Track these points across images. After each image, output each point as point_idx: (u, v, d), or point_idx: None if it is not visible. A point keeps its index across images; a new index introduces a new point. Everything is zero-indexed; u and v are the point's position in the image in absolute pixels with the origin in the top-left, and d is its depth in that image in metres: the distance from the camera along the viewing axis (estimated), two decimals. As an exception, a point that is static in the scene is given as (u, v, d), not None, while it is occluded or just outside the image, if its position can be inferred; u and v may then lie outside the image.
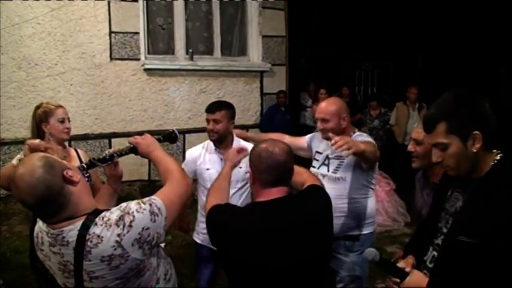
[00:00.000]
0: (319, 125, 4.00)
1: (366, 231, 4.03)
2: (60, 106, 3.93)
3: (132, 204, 2.23)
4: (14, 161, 3.55)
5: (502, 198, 2.10)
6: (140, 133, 7.49)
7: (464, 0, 12.56)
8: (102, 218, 2.18)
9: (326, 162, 4.05)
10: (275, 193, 2.53)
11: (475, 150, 2.17)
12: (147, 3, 8.77)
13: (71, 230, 2.17)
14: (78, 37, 8.09)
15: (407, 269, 2.36)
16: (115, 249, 2.12)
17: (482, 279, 2.08)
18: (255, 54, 9.86)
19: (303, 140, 4.38)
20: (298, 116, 11.35)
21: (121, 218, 2.17)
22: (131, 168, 7.95)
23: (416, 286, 2.28)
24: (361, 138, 3.91)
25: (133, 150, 2.71)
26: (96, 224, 2.16)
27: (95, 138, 8.14)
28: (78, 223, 2.17)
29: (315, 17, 11.93)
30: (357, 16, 12.81)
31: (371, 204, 4.07)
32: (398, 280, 2.35)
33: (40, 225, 2.33)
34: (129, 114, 8.48)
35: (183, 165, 4.34)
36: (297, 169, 2.80)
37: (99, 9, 8.20)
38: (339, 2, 12.50)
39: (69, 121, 3.94)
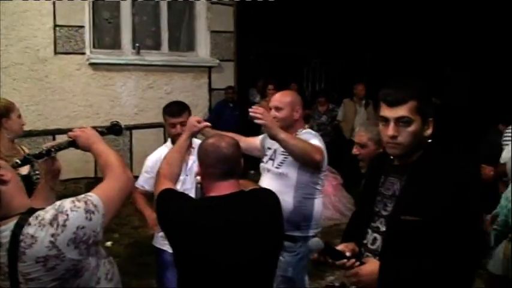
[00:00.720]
0: (271, 113, 3.93)
1: (305, 233, 3.94)
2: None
3: (67, 203, 2.14)
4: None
5: (439, 180, 2.32)
6: (85, 129, 7.32)
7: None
8: (36, 218, 2.09)
9: (273, 156, 4.04)
10: (226, 187, 2.51)
11: (426, 135, 2.38)
12: (93, -4, 8.60)
13: (4, 231, 2.07)
14: (22, 31, 7.90)
15: (348, 253, 2.45)
16: (50, 250, 2.04)
17: (427, 252, 2.26)
18: (203, 50, 9.79)
19: (257, 140, 4.36)
20: (247, 112, 11.32)
21: (55, 217, 2.08)
22: (76, 165, 7.79)
23: (372, 273, 2.36)
24: (307, 136, 3.91)
25: (73, 143, 2.61)
26: (29, 224, 2.07)
27: (39, 134, 7.94)
28: (11, 223, 2.08)
29: (263, 12, 11.93)
30: (306, 13, 12.88)
31: (316, 206, 4.00)
32: (344, 261, 2.42)
33: None
34: (74, 110, 8.32)
35: (144, 173, 4.37)
36: (243, 182, 2.79)
37: (43, 2, 8.01)
38: (288, -1, 12.57)
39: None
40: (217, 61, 9.78)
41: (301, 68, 14.45)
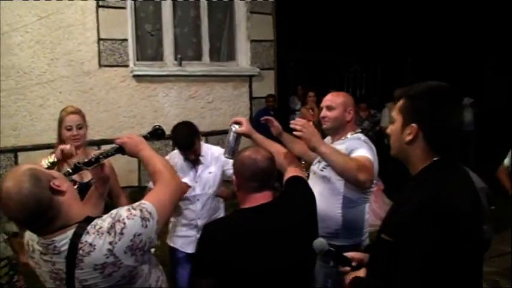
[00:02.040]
0: (322, 113, 3.88)
1: (344, 242, 3.66)
2: (72, 112, 4.09)
3: (123, 211, 2.23)
4: (44, 164, 3.59)
5: (410, 204, 2.06)
6: (130, 140, 7.46)
7: (452, 2, 12.65)
8: (94, 226, 2.17)
9: (320, 159, 3.74)
10: (260, 198, 2.60)
11: (406, 141, 2.15)
12: (135, 9, 8.80)
13: (63, 240, 2.16)
14: (67, 45, 8.10)
15: (354, 263, 2.37)
16: (107, 258, 2.12)
17: (392, 276, 2.04)
18: (243, 59, 9.87)
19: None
20: (288, 120, 11.38)
21: (112, 225, 2.16)
22: (120, 174, 7.83)
23: None
24: (355, 143, 3.69)
25: (120, 150, 2.68)
26: (88, 233, 2.15)
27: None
28: (70, 232, 2.16)
29: (303, 20, 11.97)
30: (345, 19, 12.88)
31: (359, 214, 3.84)
32: (348, 269, 2.36)
33: (30, 233, 2.31)
34: (119, 121, 8.50)
35: None
36: (291, 169, 2.85)
37: (87, 16, 8.20)
38: (327, 5, 12.56)
39: (79, 128, 4.04)
40: (258, 70, 9.84)
41: (341, 74, 14.41)
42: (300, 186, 2.88)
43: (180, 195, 2.60)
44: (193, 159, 4.41)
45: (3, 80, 7.68)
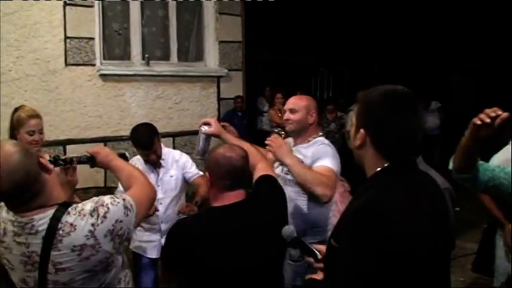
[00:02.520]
0: (286, 115, 3.98)
1: (310, 240, 3.59)
2: (33, 116, 3.99)
3: (106, 198, 2.27)
4: None
5: (355, 204, 2.06)
6: (96, 140, 7.48)
7: (418, 6, 12.82)
8: (75, 208, 2.19)
9: None
10: (233, 197, 2.63)
11: (356, 145, 2.12)
12: (103, 8, 8.69)
13: (42, 219, 2.15)
14: (33, 43, 7.97)
15: (320, 256, 2.35)
16: (88, 239, 2.14)
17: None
18: (211, 60, 9.85)
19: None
20: (255, 121, 11.42)
21: (95, 209, 2.19)
22: (86, 175, 7.83)
23: None
24: (320, 149, 3.83)
25: (92, 159, 2.71)
26: (69, 213, 2.16)
27: (50, 145, 8.00)
28: (50, 212, 2.16)
29: (272, 22, 12.01)
30: (314, 21, 12.96)
31: (323, 213, 3.96)
32: (312, 260, 2.37)
33: (3, 215, 2.28)
34: (85, 121, 8.38)
35: None
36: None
37: (54, 14, 8.08)
38: (296, 8, 12.62)
39: (40, 133, 3.97)
40: (226, 71, 9.83)
41: (309, 76, 14.51)
42: (271, 185, 2.90)
43: (154, 199, 2.59)
44: (154, 159, 4.43)
45: (-34, 77, 7.53)
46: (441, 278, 2.06)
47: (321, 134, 4.08)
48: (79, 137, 8.20)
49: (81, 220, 2.16)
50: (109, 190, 8.29)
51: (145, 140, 4.35)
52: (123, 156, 2.88)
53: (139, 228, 4.47)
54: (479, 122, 2.48)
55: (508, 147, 4.64)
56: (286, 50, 12.99)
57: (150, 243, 4.54)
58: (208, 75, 9.76)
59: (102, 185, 8.39)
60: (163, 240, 4.43)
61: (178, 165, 4.59)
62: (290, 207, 3.58)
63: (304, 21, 12.91)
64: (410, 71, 13.15)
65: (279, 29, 12.48)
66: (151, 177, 4.39)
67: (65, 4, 8.16)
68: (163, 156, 4.52)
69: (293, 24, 12.82)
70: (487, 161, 3.28)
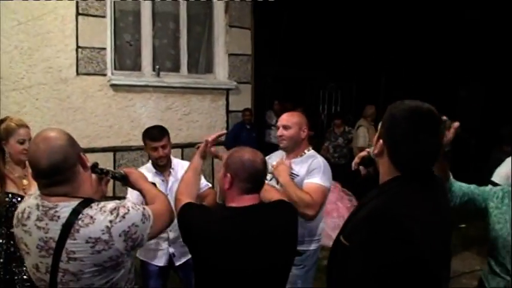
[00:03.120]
0: (279, 132, 4.17)
1: (309, 247, 4.15)
2: (23, 125, 3.89)
3: (128, 202, 2.39)
4: None
5: (368, 207, 2.19)
6: (106, 149, 7.53)
7: (426, 22, 12.88)
8: (98, 204, 2.32)
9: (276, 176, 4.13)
10: (248, 200, 2.66)
11: (374, 153, 2.30)
12: (115, 19, 8.80)
13: (66, 207, 2.28)
14: (45, 51, 8.05)
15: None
16: (103, 234, 2.24)
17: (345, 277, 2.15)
18: (221, 72, 9.94)
19: None
20: (264, 134, 11.47)
21: (116, 208, 2.31)
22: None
23: None
24: (314, 164, 4.06)
25: (125, 178, 2.84)
26: (91, 207, 2.29)
27: (60, 153, 8.11)
28: (74, 202, 2.29)
29: (281, 36, 12.10)
30: (322, 36, 13.05)
31: (317, 221, 4.13)
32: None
33: (31, 201, 2.43)
34: (95, 130, 8.46)
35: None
36: (266, 187, 2.91)
37: (66, 24, 8.18)
38: (305, 22, 12.71)
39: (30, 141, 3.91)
40: (235, 83, 9.90)
41: (318, 90, 14.57)
42: (288, 205, 2.94)
43: (171, 221, 2.67)
44: (162, 157, 4.43)
45: (-22, 84, 7.62)
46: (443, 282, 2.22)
47: (311, 148, 4.31)
48: (89, 146, 8.25)
49: (101, 215, 2.28)
50: (117, 199, 8.35)
51: (156, 131, 4.44)
52: (95, 165, 2.88)
53: None
54: None
55: (508, 160, 4.69)
56: (295, 64, 13.07)
57: (158, 251, 4.55)
58: (218, 87, 9.83)
59: (111, 194, 8.44)
60: (171, 249, 4.53)
61: None
62: None
63: (313, 35, 12.99)
64: (418, 85, 13.19)
65: (288, 43, 12.58)
66: (161, 187, 4.34)
67: (78, 14, 8.26)
68: (173, 166, 4.55)
69: (302, 39, 12.91)
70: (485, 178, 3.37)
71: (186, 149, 8.92)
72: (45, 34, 8.04)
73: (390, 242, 1.98)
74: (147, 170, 4.50)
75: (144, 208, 2.44)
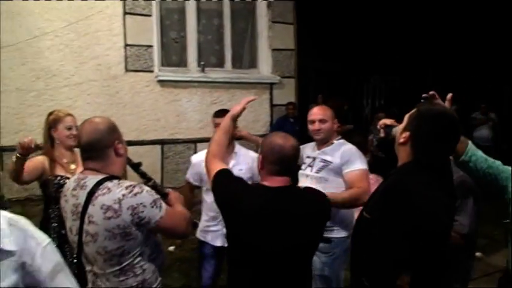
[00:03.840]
0: (315, 125, 4.29)
1: (338, 234, 4.20)
2: (69, 114, 4.30)
3: (146, 187, 2.67)
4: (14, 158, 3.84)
5: (384, 188, 2.59)
6: (153, 142, 7.79)
7: (475, 18, 12.74)
8: (118, 180, 2.66)
9: (311, 163, 4.31)
10: (278, 181, 2.82)
11: (400, 142, 2.60)
12: (161, 17, 9.12)
13: (93, 179, 2.68)
14: (95, 49, 8.42)
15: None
16: (114, 203, 2.55)
17: (372, 247, 2.49)
18: (264, 67, 10.16)
19: None
20: (307, 127, 11.57)
21: (132, 186, 2.60)
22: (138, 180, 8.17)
23: None
24: (347, 150, 4.23)
25: (165, 196, 3.02)
26: (111, 181, 2.63)
27: (110, 146, 8.40)
28: (100, 176, 2.67)
29: (324, 30, 12.15)
30: (366, 29, 13.02)
31: (350, 209, 4.18)
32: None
33: (71, 178, 2.91)
34: (143, 124, 8.78)
35: (189, 170, 4.80)
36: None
37: (114, 23, 8.54)
38: (347, 16, 12.73)
39: (76, 128, 4.20)
40: (278, 78, 10.10)
41: (361, 84, 14.53)
42: (319, 194, 3.08)
43: (183, 234, 2.94)
44: None
45: (33, 81, 8.02)
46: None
47: (340, 136, 4.47)
48: (138, 138, 8.58)
49: (117, 188, 2.60)
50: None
51: (220, 110, 4.65)
52: (137, 165, 3.17)
53: (204, 217, 4.71)
54: (424, 95, 3.03)
55: None
56: (338, 58, 13.06)
57: (214, 232, 4.68)
58: (262, 82, 10.03)
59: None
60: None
61: (250, 166, 4.63)
62: None
63: (356, 28, 12.97)
64: (464, 80, 13.08)
65: (332, 37, 12.59)
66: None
67: (125, 13, 8.62)
68: (235, 150, 4.66)
69: (345, 32, 12.89)
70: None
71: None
72: (94, 33, 8.40)
73: (400, 213, 2.33)
74: None
75: (159, 198, 2.68)
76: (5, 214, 2.02)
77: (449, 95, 3.00)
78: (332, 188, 4.01)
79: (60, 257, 2.15)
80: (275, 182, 2.83)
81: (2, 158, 7.74)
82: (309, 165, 4.32)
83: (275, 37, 10.11)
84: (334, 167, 4.17)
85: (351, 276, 2.71)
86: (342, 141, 4.38)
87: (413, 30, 13.38)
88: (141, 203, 2.58)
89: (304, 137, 4.83)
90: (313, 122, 4.33)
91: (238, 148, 4.72)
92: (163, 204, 2.69)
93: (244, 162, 4.64)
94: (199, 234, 4.75)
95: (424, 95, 3.01)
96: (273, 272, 2.78)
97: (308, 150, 4.44)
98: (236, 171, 4.47)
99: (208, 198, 4.58)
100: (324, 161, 4.22)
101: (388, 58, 13.50)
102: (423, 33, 13.45)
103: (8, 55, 7.82)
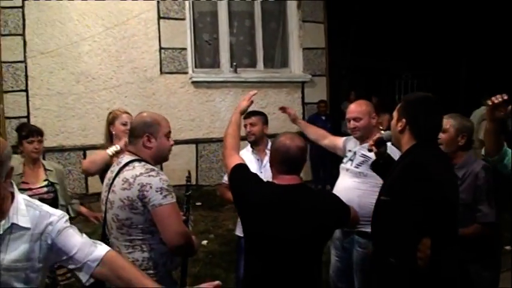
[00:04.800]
0: (351, 124, 4.29)
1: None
2: (126, 112, 4.71)
3: (165, 177, 2.99)
4: (109, 152, 4.28)
5: (399, 168, 2.93)
6: (188, 141, 8.02)
7: (509, 9, 12.60)
8: (145, 162, 3.05)
9: (352, 157, 4.32)
10: (286, 180, 3.01)
11: (398, 130, 3.00)
12: (194, 20, 9.41)
13: (126, 159, 3.11)
14: (131, 53, 8.76)
15: None
16: (131, 178, 2.94)
17: (392, 226, 2.82)
18: (296, 66, 10.32)
19: (340, 141, 4.65)
20: (340, 125, 11.71)
21: (152, 170, 2.97)
22: (180, 173, 8.40)
23: None
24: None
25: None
26: (140, 162, 3.02)
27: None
28: (133, 157, 3.09)
29: (354, 28, 12.24)
30: (396, 25, 13.02)
31: None
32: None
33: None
34: (178, 124, 8.99)
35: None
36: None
37: (149, 27, 8.86)
38: (378, 12, 12.78)
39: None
40: (310, 76, 10.25)
41: (393, 80, 14.52)
42: (330, 194, 3.26)
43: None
44: (249, 134, 4.81)
45: (73, 85, 8.39)
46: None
47: (382, 131, 4.27)
48: (174, 138, 8.68)
49: (140, 168, 2.98)
50: (200, 188, 8.87)
51: (249, 112, 4.63)
52: (187, 180, 3.84)
53: None
54: (490, 102, 3.13)
55: None
56: (369, 54, 13.09)
57: None
58: (293, 80, 10.22)
59: (194, 182, 8.93)
60: None
61: None
62: (359, 198, 4.07)
63: (387, 24, 12.97)
64: (500, 75, 12.92)
65: (362, 34, 12.65)
66: (255, 165, 4.68)
67: (159, 17, 8.93)
68: (269, 147, 4.68)
69: (376, 29, 12.92)
70: None
71: (263, 140, 9.31)
72: (130, 37, 8.74)
73: (418, 183, 2.70)
74: (246, 150, 4.88)
75: (170, 193, 2.94)
76: (23, 196, 2.28)
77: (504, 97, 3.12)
78: (371, 183, 4.05)
79: (72, 226, 2.34)
80: (284, 180, 3.01)
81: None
82: (350, 159, 4.34)
83: (306, 36, 10.27)
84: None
85: (374, 262, 2.96)
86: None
87: (446, 26, 13.31)
88: (148, 184, 2.89)
89: (336, 134, 5.02)
90: (349, 120, 4.32)
91: (271, 145, 4.89)
92: (170, 199, 2.92)
93: None
94: (238, 231, 4.85)
95: (492, 101, 3.13)
96: (282, 262, 2.96)
97: (351, 143, 4.47)
98: (269, 167, 4.67)
99: None
100: (364, 156, 4.19)
101: (420, 54, 13.47)
102: (455, 29, 13.36)
103: (49, 60, 8.22)
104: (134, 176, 2.93)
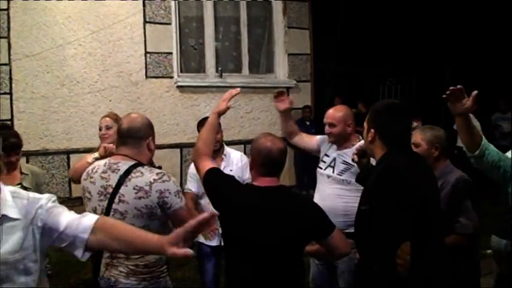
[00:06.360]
0: (326, 129, 4.31)
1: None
2: (106, 116, 4.91)
3: (173, 178, 3.09)
4: (89, 159, 4.14)
5: (372, 177, 2.97)
6: (173, 145, 8.02)
7: (492, 14, 12.66)
8: (149, 167, 3.06)
9: (332, 164, 4.32)
10: (266, 181, 3.05)
11: (368, 141, 3.06)
12: (179, 25, 9.42)
13: (125, 164, 3.08)
14: (116, 57, 8.74)
15: None
16: (146, 185, 2.96)
17: (371, 234, 2.84)
18: (281, 72, 10.37)
19: (314, 140, 4.69)
20: (323, 130, 11.72)
21: (162, 174, 3.03)
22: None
23: None
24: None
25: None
26: (143, 167, 3.04)
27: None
28: (132, 162, 3.05)
29: (339, 34, 12.29)
30: (381, 31, 13.10)
31: None
32: None
33: (99, 162, 3.30)
34: (163, 128, 9.01)
35: (189, 177, 5.11)
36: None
37: (135, 31, 8.86)
38: (362, 19, 12.85)
39: (107, 128, 4.72)
40: (295, 82, 10.30)
41: (377, 86, 14.56)
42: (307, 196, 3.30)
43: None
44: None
45: (58, 88, 8.35)
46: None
47: (360, 137, 4.31)
48: (158, 143, 8.63)
49: (149, 173, 3.02)
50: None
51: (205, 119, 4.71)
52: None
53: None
54: (444, 96, 3.17)
55: None
56: (353, 60, 13.16)
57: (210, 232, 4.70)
58: (278, 86, 9.99)
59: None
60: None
61: (238, 166, 4.84)
62: (343, 204, 4.13)
63: (371, 30, 13.06)
64: (484, 80, 12.95)
65: (347, 40, 12.70)
66: None
67: (145, 22, 8.94)
68: (225, 153, 4.89)
69: (360, 34, 13.00)
70: None
71: (248, 144, 9.28)
72: (116, 41, 8.73)
73: (393, 188, 2.73)
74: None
75: (184, 194, 3.18)
76: (8, 188, 2.20)
77: (474, 93, 3.15)
78: (354, 190, 4.00)
79: (61, 206, 2.26)
80: (263, 182, 3.05)
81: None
82: (330, 166, 4.34)
83: (291, 42, 10.33)
84: (356, 170, 4.07)
85: (360, 271, 3.03)
86: (361, 143, 4.25)
87: (429, 32, 13.41)
88: (167, 189, 2.98)
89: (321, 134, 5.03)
90: (325, 124, 4.34)
91: (227, 150, 4.93)
92: (184, 199, 3.09)
93: (233, 163, 4.87)
94: (201, 238, 4.77)
95: (448, 92, 3.15)
96: (263, 264, 2.97)
97: (327, 146, 4.48)
98: (227, 172, 4.67)
99: (203, 200, 4.73)
100: (346, 163, 4.21)
101: (404, 60, 13.55)
102: (439, 34, 13.46)
103: (34, 63, 8.18)
104: (149, 183, 2.97)
